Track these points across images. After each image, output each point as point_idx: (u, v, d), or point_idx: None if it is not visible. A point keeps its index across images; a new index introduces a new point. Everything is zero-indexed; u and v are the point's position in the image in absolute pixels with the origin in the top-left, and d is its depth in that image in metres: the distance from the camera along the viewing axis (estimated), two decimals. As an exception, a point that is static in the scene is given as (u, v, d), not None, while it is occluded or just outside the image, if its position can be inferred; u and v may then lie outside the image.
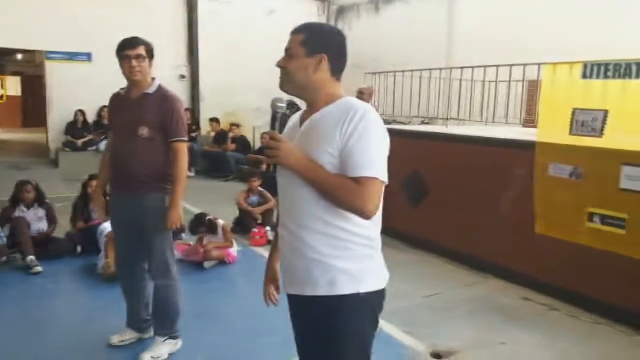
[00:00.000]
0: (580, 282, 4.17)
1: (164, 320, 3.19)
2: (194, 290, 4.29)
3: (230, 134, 10.52)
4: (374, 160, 1.58)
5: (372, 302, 1.71)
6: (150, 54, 2.98)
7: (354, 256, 1.67)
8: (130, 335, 3.36)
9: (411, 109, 7.47)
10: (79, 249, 5.15)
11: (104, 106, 9.68)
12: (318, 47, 1.71)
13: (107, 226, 4.67)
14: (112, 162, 3.13)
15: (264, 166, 8.16)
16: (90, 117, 10.06)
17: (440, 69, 7.01)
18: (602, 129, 3.99)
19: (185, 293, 3.33)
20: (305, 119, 1.74)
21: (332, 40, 1.75)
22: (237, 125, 10.86)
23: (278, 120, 1.72)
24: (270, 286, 2.07)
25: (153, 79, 3.05)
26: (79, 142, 9.67)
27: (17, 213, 5.02)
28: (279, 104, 1.81)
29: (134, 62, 2.92)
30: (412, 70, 7.06)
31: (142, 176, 2.98)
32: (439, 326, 3.82)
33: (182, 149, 3.03)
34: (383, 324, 3.79)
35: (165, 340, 3.20)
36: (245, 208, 6.14)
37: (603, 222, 4.00)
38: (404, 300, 4.24)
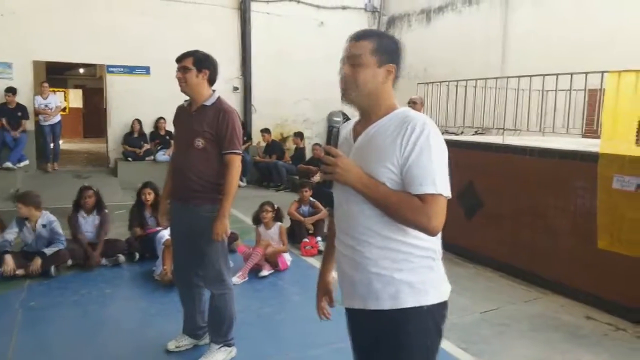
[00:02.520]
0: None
1: (219, 328, 3.24)
2: (247, 298, 4.35)
3: (294, 145, 10.72)
4: (436, 176, 1.53)
5: (436, 314, 1.67)
6: (199, 65, 3.02)
7: (414, 268, 1.64)
8: (186, 342, 3.43)
9: (464, 120, 7.33)
10: (137, 255, 5.32)
11: (161, 117, 10.04)
12: (388, 56, 1.65)
13: (165, 234, 4.81)
14: (172, 173, 3.23)
15: (315, 177, 8.18)
16: (147, 128, 10.42)
17: (497, 78, 6.85)
18: (672, 139, 3.79)
19: (238, 300, 3.37)
20: (360, 131, 1.69)
21: (398, 49, 1.70)
22: (301, 135, 11.02)
23: (334, 135, 1.67)
24: (322, 300, 2.05)
25: (214, 91, 3.13)
26: (139, 151, 10.01)
27: (79, 220, 5.25)
28: (336, 118, 1.78)
29: (179, 74, 3.03)
30: (466, 80, 6.94)
31: (197, 186, 3.05)
32: (496, 343, 3.70)
33: (236, 162, 3.07)
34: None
35: (220, 347, 3.25)
36: (297, 218, 6.18)
37: (674, 238, 3.79)
38: (460, 315, 4.14)
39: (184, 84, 3.03)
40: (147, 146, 10.14)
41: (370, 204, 1.60)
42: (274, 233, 5.28)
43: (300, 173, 9.44)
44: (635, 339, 3.85)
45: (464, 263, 5.57)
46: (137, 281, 4.86)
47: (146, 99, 10.14)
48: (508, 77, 6.44)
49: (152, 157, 10.02)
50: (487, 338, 3.77)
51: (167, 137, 10.11)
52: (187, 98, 3.17)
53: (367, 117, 1.69)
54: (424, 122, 1.58)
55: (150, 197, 5.47)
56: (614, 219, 4.15)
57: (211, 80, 3.11)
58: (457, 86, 7.23)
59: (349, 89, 1.66)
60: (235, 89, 11.11)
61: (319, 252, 5.80)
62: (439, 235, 1.67)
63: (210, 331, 3.30)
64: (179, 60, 3.04)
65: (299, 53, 11.45)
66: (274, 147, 10.71)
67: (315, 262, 5.54)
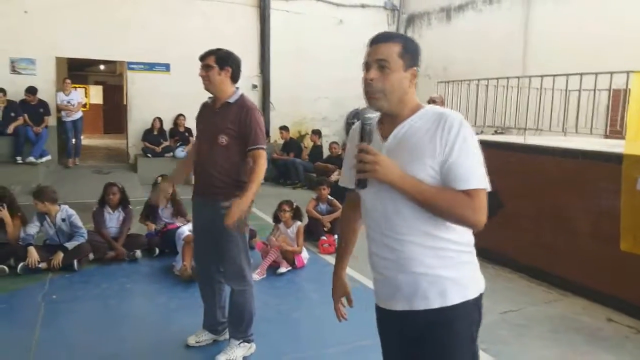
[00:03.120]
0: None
1: (239, 324, 3.26)
2: (265, 294, 4.37)
3: (312, 143, 10.75)
4: (477, 170, 1.56)
5: (478, 305, 1.70)
6: (222, 63, 3.05)
7: (457, 264, 1.65)
8: (206, 337, 3.46)
9: (485, 119, 7.26)
10: (157, 251, 5.38)
11: (180, 114, 10.13)
12: (413, 59, 1.63)
13: (185, 230, 4.86)
14: (195, 169, 3.25)
15: (333, 175, 8.19)
16: (167, 125, 10.51)
17: (520, 77, 6.79)
18: (699, 141, 3.71)
19: (256, 297, 3.37)
20: (387, 132, 1.66)
21: (419, 51, 1.67)
22: (319, 132, 11.05)
23: (367, 132, 1.62)
24: (340, 301, 2.05)
25: (237, 88, 3.15)
26: (158, 148, 10.11)
27: (104, 215, 5.34)
28: (369, 115, 1.65)
29: (202, 72, 3.07)
30: (487, 79, 6.87)
31: (219, 182, 3.07)
32: (516, 344, 3.67)
33: (262, 156, 3.07)
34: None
35: (240, 343, 3.27)
36: (315, 216, 6.18)
37: (700, 241, 3.71)
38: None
39: (207, 82, 3.07)
40: (166, 143, 10.24)
41: (408, 203, 1.58)
42: (291, 232, 5.29)
43: (318, 171, 9.45)
44: (657, 342, 3.79)
45: (483, 263, 5.43)
46: (157, 276, 4.91)
47: (166, 96, 10.24)
48: (530, 77, 6.35)
49: (171, 154, 10.11)
50: (507, 339, 3.74)
51: (186, 134, 10.19)
52: (210, 95, 3.20)
53: (392, 118, 1.66)
54: (460, 118, 1.58)
55: None
56: (638, 221, 4.08)
57: (234, 78, 3.13)
58: (477, 85, 7.16)
59: (376, 94, 1.61)
60: (254, 86, 11.16)
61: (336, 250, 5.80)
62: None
63: (230, 327, 3.33)
64: (202, 58, 3.07)
65: (317, 51, 11.47)
66: (292, 145, 10.74)
67: (333, 260, 5.53)
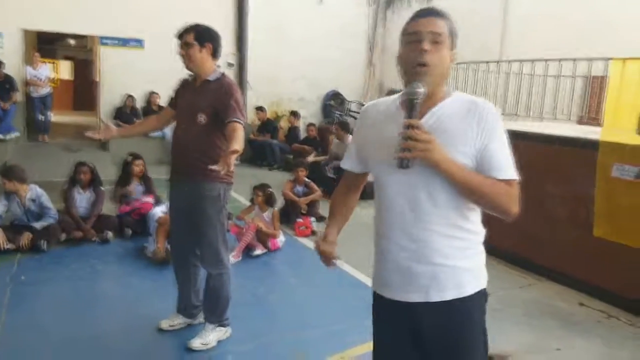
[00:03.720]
0: (641, 289, 3.96)
1: (215, 308, 3.20)
2: (240, 277, 4.28)
3: (289, 124, 10.61)
4: (511, 161, 1.56)
5: (486, 294, 1.71)
6: (202, 39, 2.94)
7: (473, 254, 1.65)
8: (180, 321, 3.39)
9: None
10: (129, 231, 5.25)
11: (154, 92, 9.88)
12: (454, 41, 1.60)
13: (158, 211, 4.74)
14: (173, 148, 3.15)
15: (310, 157, 8.12)
16: (140, 103, 10.25)
17: (499, 61, 6.79)
18: (675, 129, 3.76)
19: (232, 280, 3.30)
20: (422, 112, 1.56)
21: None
22: (296, 113, 10.95)
23: (416, 108, 1.51)
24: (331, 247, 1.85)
25: (218, 66, 3.04)
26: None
27: (74, 194, 5.18)
28: (418, 90, 1.51)
29: (182, 51, 2.95)
30: (467, 63, 6.86)
31: (198, 162, 2.96)
32: (492, 329, 3.65)
33: (239, 127, 2.86)
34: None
35: (215, 327, 3.21)
36: (292, 198, 6.12)
37: (671, 228, 3.78)
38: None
39: (188, 61, 2.95)
40: (139, 122, 9.97)
41: (443, 190, 1.54)
42: (267, 217, 5.21)
43: (295, 152, 9.36)
44: (627, 326, 3.87)
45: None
46: (129, 258, 4.79)
47: (139, 73, 9.95)
48: (509, 62, 6.36)
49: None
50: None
51: (159, 112, 9.95)
52: (191, 73, 3.09)
53: (426, 100, 1.56)
54: (492, 106, 1.57)
55: (138, 169, 5.48)
56: (612, 208, 4.14)
57: (215, 55, 3.02)
58: (456, 69, 7.15)
59: (426, 70, 1.53)
60: (230, 65, 10.92)
61: (313, 232, 5.77)
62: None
63: (206, 311, 3.26)
64: (181, 35, 2.94)
65: (296, 30, 11.30)
66: (268, 126, 10.60)
67: (309, 243, 5.50)
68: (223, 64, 10.60)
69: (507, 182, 1.54)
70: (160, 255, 4.47)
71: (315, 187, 6.38)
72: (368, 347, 3.33)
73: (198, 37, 2.94)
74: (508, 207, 1.54)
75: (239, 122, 2.90)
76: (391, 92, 6.54)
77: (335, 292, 4.26)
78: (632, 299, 3.99)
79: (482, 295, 1.67)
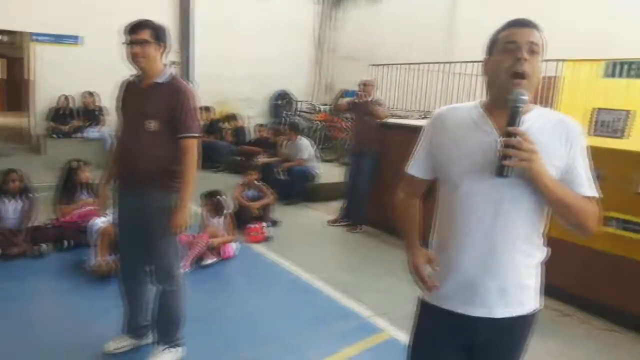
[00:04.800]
0: (593, 288, 4.03)
1: (168, 328, 2.97)
2: (191, 290, 3.98)
3: (224, 125, 10.26)
4: (593, 181, 1.58)
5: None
6: (158, 37, 2.72)
7: (536, 274, 1.67)
8: (127, 343, 3.12)
9: (412, 103, 7.28)
10: (66, 243, 4.86)
11: (89, 92, 9.37)
12: (544, 51, 1.57)
13: (99, 221, 4.41)
14: (119, 155, 2.88)
15: (260, 158, 7.91)
16: (77, 103, 9.67)
17: (446, 62, 6.82)
18: (624, 130, 3.84)
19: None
20: (502, 124, 1.52)
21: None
22: (234, 116, 10.60)
23: (519, 115, 1.47)
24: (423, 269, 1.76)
25: (165, 65, 2.80)
26: (66, 127, 9.28)
27: (1, 205, 4.74)
28: (522, 97, 1.48)
29: (136, 48, 2.66)
30: (417, 64, 6.89)
31: (148, 172, 2.74)
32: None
33: (192, 146, 2.76)
34: (394, 331, 3.65)
35: (167, 348, 2.98)
36: (243, 203, 5.90)
37: (621, 227, 3.86)
38: (408, 304, 4.07)
39: (143, 60, 2.68)
40: (75, 123, 9.43)
41: (530, 206, 1.55)
42: (218, 222, 4.98)
43: (243, 154, 9.09)
44: (580, 324, 3.94)
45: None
46: (67, 273, 4.39)
47: (74, 72, 9.37)
48: (457, 62, 6.39)
49: (80, 135, 9.31)
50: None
51: (97, 113, 9.44)
52: (135, 72, 2.83)
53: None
54: (580, 125, 1.60)
55: (84, 176, 5.11)
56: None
57: (164, 54, 2.79)
58: (406, 69, 7.15)
59: (526, 82, 1.52)
60: (174, 63, 10.52)
61: (266, 238, 5.57)
62: None
63: (158, 331, 3.02)
64: (134, 32, 2.66)
65: (242, 28, 11.04)
66: (215, 127, 10.27)
67: (262, 249, 5.31)
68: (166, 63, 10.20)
69: (591, 199, 1.55)
70: (103, 270, 4.14)
71: (267, 190, 6.19)
72: (333, 359, 3.22)
73: (155, 34, 2.70)
74: (592, 224, 1.55)
75: (195, 137, 2.75)
76: (344, 92, 6.44)
77: (289, 300, 4.11)
78: (586, 297, 4.05)
79: (538, 314, 1.70)
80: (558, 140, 1.53)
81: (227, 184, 7.83)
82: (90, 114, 9.54)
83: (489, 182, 1.53)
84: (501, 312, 1.62)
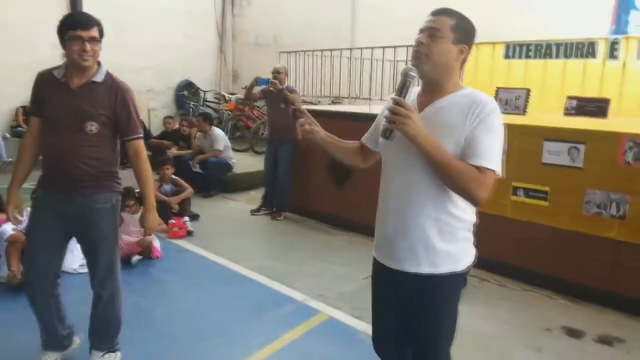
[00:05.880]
0: (506, 253, 4.39)
1: (105, 333, 2.83)
2: (119, 293, 3.88)
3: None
4: (495, 154, 1.67)
5: (465, 276, 1.87)
6: (102, 36, 2.54)
7: (456, 240, 1.80)
8: (52, 358, 2.88)
9: (321, 90, 7.38)
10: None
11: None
12: (465, 37, 1.75)
13: (7, 229, 4.05)
14: (47, 159, 2.65)
15: (171, 151, 7.63)
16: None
17: (356, 48, 6.96)
18: (525, 107, 4.19)
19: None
20: (426, 103, 1.78)
21: (473, 34, 1.79)
22: None
23: (406, 87, 1.69)
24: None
25: (98, 63, 2.61)
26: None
27: None
28: (411, 72, 1.70)
29: (88, 46, 2.45)
30: (324, 50, 6.96)
31: (88, 176, 2.58)
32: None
33: (142, 146, 2.71)
34: (332, 311, 3.76)
35: (103, 355, 2.84)
36: (161, 198, 5.68)
37: (527, 195, 4.23)
38: (346, 284, 4.21)
39: (92, 58, 2.49)
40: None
41: (430, 171, 1.69)
42: (137, 220, 4.76)
43: (152, 149, 8.68)
44: (498, 287, 4.29)
45: (338, 232, 5.68)
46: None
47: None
48: (372, 48, 6.54)
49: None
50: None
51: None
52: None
53: (435, 91, 1.77)
54: (495, 105, 1.72)
55: None
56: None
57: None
58: (315, 56, 7.22)
59: (421, 57, 1.72)
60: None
61: (188, 233, 5.44)
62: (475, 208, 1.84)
63: (94, 337, 2.85)
64: (86, 27, 2.45)
65: (137, 15, 10.49)
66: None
67: (186, 244, 5.19)
68: (57, 55, 9.46)
69: (480, 169, 1.64)
70: (17, 280, 3.82)
71: (184, 184, 6.03)
72: (274, 347, 3.25)
73: (100, 31, 2.53)
74: (474, 192, 1.65)
75: (141, 138, 2.70)
76: (258, 80, 6.38)
77: (223, 292, 4.07)
78: (499, 262, 4.41)
79: (457, 278, 1.83)
80: (463, 117, 1.68)
81: (134, 179, 7.52)
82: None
83: (402, 152, 1.74)
84: (412, 268, 1.81)
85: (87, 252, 2.75)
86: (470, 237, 1.87)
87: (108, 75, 2.62)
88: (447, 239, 1.78)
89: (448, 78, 1.76)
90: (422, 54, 1.72)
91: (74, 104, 2.54)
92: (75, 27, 2.46)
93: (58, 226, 2.65)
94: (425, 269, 1.79)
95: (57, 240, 2.69)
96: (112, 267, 2.76)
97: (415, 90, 1.85)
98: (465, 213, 1.79)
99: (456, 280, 1.83)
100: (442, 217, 1.75)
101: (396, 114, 1.61)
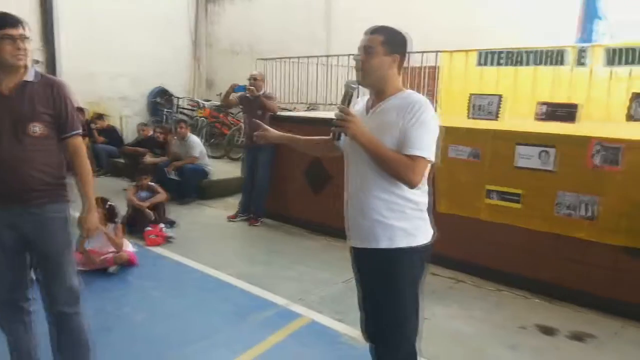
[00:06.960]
0: (481, 255, 4.51)
1: (78, 352, 2.68)
2: (98, 300, 3.84)
3: (95, 126, 9.57)
4: (424, 144, 1.97)
5: (422, 253, 2.15)
6: (29, 33, 2.41)
7: (407, 218, 2.09)
8: None
9: (297, 96, 7.46)
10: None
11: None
12: (394, 48, 2.07)
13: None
14: None
15: (146, 158, 7.58)
16: None
17: (335, 55, 7.04)
18: (497, 112, 4.32)
19: (88, 303, 2.81)
20: (372, 106, 2.14)
21: (404, 43, 2.11)
22: (101, 116, 9.91)
23: (349, 96, 2.07)
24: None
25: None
26: None
27: None
28: (352, 85, 2.08)
29: (20, 45, 2.33)
30: (299, 57, 7.03)
31: (39, 183, 2.43)
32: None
33: (82, 144, 2.55)
34: (313, 314, 3.79)
35: None
36: (137, 204, 5.64)
37: (500, 198, 4.35)
38: (326, 287, 4.25)
39: (25, 58, 2.36)
40: None
41: (372, 159, 2.01)
42: (110, 229, 4.69)
43: (126, 156, 8.61)
44: (474, 287, 4.39)
45: (315, 236, 5.72)
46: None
47: None
48: (339, 56, 6.65)
49: None
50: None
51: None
52: None
53: (378, 95, 2.13)
54: (425, 102, 2.02)
55: None
56: (451, 185, 4.61)
57: None
58: (291, 63, 7.29)
59: (363, 74, 2.09)
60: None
61: (165, 239, 5.41)
62: (426, 192, 2.15)
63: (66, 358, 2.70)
64: (14, 26, 2.33)
65: (110, 22, 10.37)
66: (90, 130, 9.57)
67: (163, 252, 5.16)
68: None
69: (411, 157, 1.96)
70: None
71: (159, 189, 6.00)
72: (257, 350, 3.27)
73: (29, 29, 2.40)
74: (404, 176, 1.98)
75: (80, 134, 2.55)
76: (235, 87, 6.41)
77: (204, 298, 4.07)
78: (474, 263, 4.52)
79: (413, 251, 2.10)
80: (398, 115, 2.00)
81: (110, 188, 7.44)
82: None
83: (356, 147, 2.05)
84: (373, 244, 2.12)
85: (45, 268, 2.58)
86: (424, 217, 2.15)
87: (40, 73, 2.49)
88: (400, 217, 2.07)
89: (386, 84, 2.09)
90: (362, 70, 2.08)
91: (9, 108, 2.38)
92: (4, 25, 2.32)
93: (11, 243, 2.49)
94: (383, 244, 2.09)
95: (16, 258, 2.54)
96: (74, 285, 2.60)
97: (365, 97, 2.23)
98: (412, 194, 2.07)
99: (413, 254, 2.10)
100: (389, 197, 2.06)
101: (341, 120, 1.95)
